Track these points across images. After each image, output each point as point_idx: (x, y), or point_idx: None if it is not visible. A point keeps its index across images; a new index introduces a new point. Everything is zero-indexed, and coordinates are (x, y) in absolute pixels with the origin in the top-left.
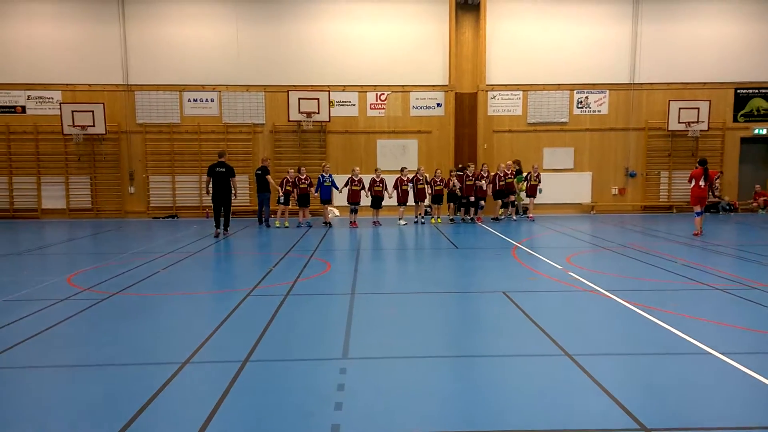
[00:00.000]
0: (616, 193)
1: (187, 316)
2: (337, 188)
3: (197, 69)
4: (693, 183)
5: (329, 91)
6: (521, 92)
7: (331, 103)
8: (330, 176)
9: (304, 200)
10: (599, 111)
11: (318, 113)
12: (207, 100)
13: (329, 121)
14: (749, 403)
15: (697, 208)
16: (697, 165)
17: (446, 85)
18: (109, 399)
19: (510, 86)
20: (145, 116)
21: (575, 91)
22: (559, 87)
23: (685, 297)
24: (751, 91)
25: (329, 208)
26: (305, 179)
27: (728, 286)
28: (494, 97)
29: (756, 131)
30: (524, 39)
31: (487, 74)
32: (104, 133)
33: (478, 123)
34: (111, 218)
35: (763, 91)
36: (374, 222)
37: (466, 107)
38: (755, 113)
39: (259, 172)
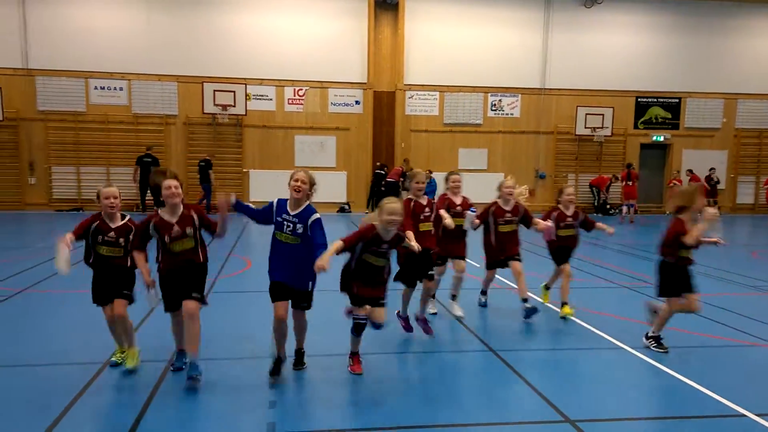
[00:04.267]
0: (527, 194)
1: None
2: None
3: (105, 56)
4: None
5: (246, 84)
6: (438, 93)
7: (247, 97)
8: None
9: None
10: (512, 114)
11: (234, 106)
12: (115, 89)
13: (245, 115)
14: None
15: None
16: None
17: (365, 83)
18: None
19: (427, 87)
20: (47, 103)
21: (489, 94)
22: (474, 89)
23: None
24: (650, 99)
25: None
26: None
27: (632, 284)
28: (412, 97)
29: (654, 138)
30: (441, 41)
31: (405, 74)
32: (1, 119)
33: (396, 122)
34: (9, 210)
35: (661, 100)
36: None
37: (384, 106)
38: (654, 121)
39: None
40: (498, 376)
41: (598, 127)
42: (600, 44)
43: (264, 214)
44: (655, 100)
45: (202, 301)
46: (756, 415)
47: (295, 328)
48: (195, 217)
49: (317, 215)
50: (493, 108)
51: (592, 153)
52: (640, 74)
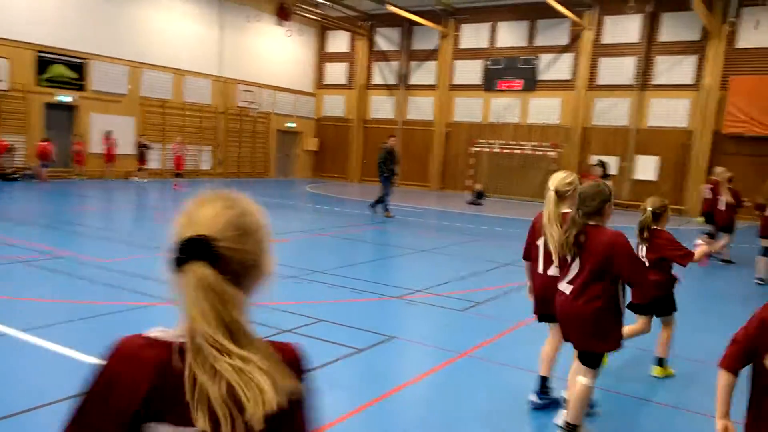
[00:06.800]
0: None
1: None
2: None
3: None
4: None
5: None
6: None
7: None
8: None
9: None
10: None
11: None
12: None
13: None
14: (54, 375)
15: None
16: None
17: None
18: None
19: None
20: None
21: None
22: None
23: None
24: (54, 56)
25: None
26: None
27: (31, 258)
28: None
29: (60, 98)
30: None
31: None
32: None
33: None
34: None
35: (66, 58)
36: None
37: None
38: (58, 80)
39: None
40: None
41: None
42: None
43: None
44: (60, 57)
45: None
46: None
47: None
48: None
49: None
50: None
51: None
52: (41, 28)
